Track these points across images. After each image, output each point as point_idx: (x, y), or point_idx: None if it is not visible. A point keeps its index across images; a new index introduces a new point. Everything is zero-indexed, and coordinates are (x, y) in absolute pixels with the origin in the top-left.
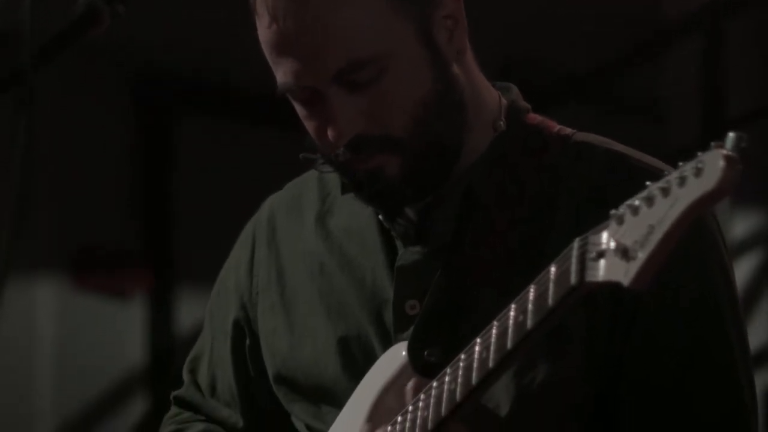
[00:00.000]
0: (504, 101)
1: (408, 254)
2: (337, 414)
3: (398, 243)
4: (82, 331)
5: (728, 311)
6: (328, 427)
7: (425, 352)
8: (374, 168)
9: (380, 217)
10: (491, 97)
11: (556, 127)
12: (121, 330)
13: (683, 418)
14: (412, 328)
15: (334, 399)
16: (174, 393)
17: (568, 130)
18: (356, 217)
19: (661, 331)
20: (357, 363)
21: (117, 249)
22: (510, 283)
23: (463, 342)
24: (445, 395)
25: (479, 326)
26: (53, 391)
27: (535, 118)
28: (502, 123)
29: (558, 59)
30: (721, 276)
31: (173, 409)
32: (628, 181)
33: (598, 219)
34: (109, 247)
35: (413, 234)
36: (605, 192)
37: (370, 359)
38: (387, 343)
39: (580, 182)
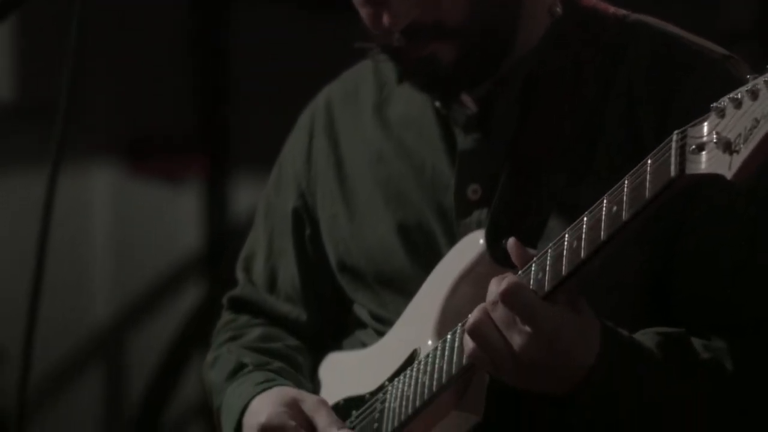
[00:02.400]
0: None
1: (469, 140)
2: (401, 301)
3: (456, 131)
4: (137, 217)
5: None
6: (392, 315)
7: (503, 241)
8: (429, 55)
9: (437, 105)
10: None
11: (611, 9)
12: (176, 216)
13: (731, 297)
14: (483, 216)
15: (398, 286)
16: (229, 294)
17: (624, 12)
18: (414, 106)
19: (720, 210)
20: (419, 249)
21: (173, 134)
22: (574, 165)
23: (536, 228)
24: (532, 284)
25: (551, 211)
26: (109, 278)
27: (590, 1)
28: (558, 9)
29: None
30: None
31: (226, 315)
32: (682, 60)
33: (651, 98)
34: (165, 132)
35: (475, 121)
36: (660, 71)
37: (431, 245)
38: (448, 229)
39: (636, 61)
